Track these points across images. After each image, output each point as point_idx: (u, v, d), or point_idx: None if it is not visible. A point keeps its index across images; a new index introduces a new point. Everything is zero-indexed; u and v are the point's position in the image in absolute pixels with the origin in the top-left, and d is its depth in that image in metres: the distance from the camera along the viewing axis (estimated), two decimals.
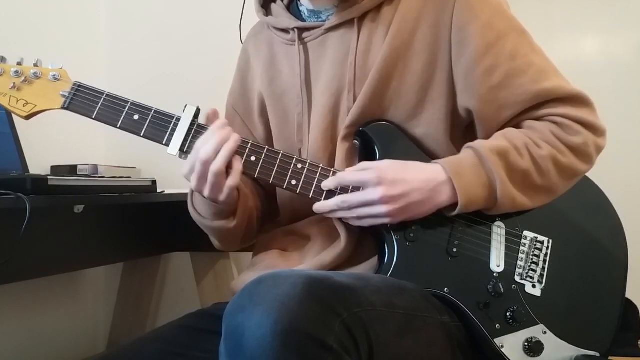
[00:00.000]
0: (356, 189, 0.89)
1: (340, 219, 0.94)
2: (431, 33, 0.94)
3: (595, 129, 0.93)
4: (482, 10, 0.92)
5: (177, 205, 1.55)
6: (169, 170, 1.52)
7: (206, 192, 0.90)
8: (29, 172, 1.44)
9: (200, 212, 0.98)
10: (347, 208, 0.88)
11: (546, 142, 0.90)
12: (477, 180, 0.87)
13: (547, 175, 0.90)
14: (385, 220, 0.88)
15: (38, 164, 1.56)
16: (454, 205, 0.88)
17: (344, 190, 0.90)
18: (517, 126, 0.94)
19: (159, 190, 1.40)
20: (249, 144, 0.91)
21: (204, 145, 0.87)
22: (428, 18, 0.94)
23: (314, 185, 0.91)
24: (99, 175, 1.57)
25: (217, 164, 0.86)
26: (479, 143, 0.90)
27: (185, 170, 0.90)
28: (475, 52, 0.91)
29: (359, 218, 0.89)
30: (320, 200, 0.90)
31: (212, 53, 1.94)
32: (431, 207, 0.88)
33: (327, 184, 0.90)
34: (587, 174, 0.98)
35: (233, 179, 0.88)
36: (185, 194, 1.49)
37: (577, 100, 0.93)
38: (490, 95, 0.92)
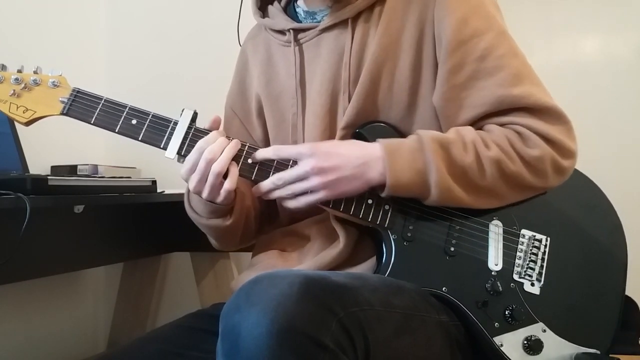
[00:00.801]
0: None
1: (339, 220, 0.94)
2: (416, 30, 0.93)
3: (559, 148, 0.89)
4: (459, 6, 0.91)
5: (177, 205, 1.55)
6: (169, 170, 1.52)
7: (205, 194, 0.90)
8: (29, 172, 1.44)
9: (196, 210, 0.99)
10: (283, 184, 0.88)
11: (497, 146, 0.88)
12: (410, 164, 0.86)
13: (489, 177, 0.87)
14: (320, 195, 0.87)
15: (38, 164, 1.56)
16: (384, 185, 0.87)
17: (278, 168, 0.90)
18: (478, 129, 0.92)
19: (159, 190, 1.40)
20: (246, 147, 0.91)
21: (209, 144, 0.88)
22: (413, 15, 0.94)
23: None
24: (99, 175, 1.57)
25: (220, 164, 0.87)
26: (426, 131, 0.89)
27: (184, 169, 0.90)
28: (446, 48, 0.90)
29: (295, 196, 0.88)
30: None
31: (211, 53, 1.94)
32: (362, 182, 0.87)
33: (265, 153, 0.90)
34: (587, 173, 0.98)
35: (230, 183, 0.89)
36: None
37: (548, 114, 0.89)
38: (451, 93, 0.91)
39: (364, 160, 0.87)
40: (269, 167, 0.90)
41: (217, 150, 0.88)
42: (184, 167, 0.90)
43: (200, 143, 0.89)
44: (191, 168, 0.89)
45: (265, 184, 0.89)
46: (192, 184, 0.89)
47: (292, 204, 0.89)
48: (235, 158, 0.90)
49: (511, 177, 0.89)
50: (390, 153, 0.86)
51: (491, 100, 0.89)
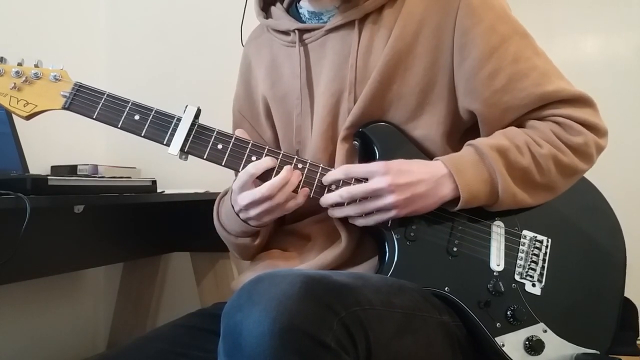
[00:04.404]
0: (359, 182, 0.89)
1: (341, 220, 0.94)
2: (433, 36, 0.94)
3: (597, 130, 0.93)
4: (485, 15, 0.92)
5: (177, 205, 1.56)
6: (169, 170, 1.52)
7: (256, 221, 0.93)
8: (29, 172, 1.44)
9: (226, 227, 1.00)
10: (349, 198, 0.88)
11: (547, 142, 0.91)
12: (478, 177, 0.88)
13: (547, 173, 0.90)
14: (392, 213, 0.87)
15: (38, 164, 1.56)
16: (455, 200, 0.88)
17: (346, 184, 0.90)
18: (520, 125, 0.94)
19: (159, 190, 1.40)
20: (250, 144, 0.91)
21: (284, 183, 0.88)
22: (431, 22, 0.94)
23: (315, 184, 0.91)
24: (99, 175, 1.57)
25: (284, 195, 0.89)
26: (479, 140, 0.91)
27: (249, 200, 0.89)
28: (478, 56, 0.92)
29: (364, 213, 0.88)
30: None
31: (211, 54, 1.94)
32: (435, 200, 0.88)
33: (335, 174, 0.90)
34: (586, 175, 0.99)
35: (295, 203, 0.90)
36: (185, 194, 1.50)
37: (580, 101, 0.94)
38: (493, 98, 0.92)
39: (435, 178, 0.88)
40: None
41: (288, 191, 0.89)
42: (247, 198, 0.89)
43: (278, 180, 0.88)
44: (257, 200, 0.89)
45: (331, 196, 0.89)
46: (255, 211, 0.90)
47: (361, 222, 0.89)
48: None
49: (566, 169, 0.92)
50: (456, 169, 0.88)
51: (533, 99, 0.92)
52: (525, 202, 0.91)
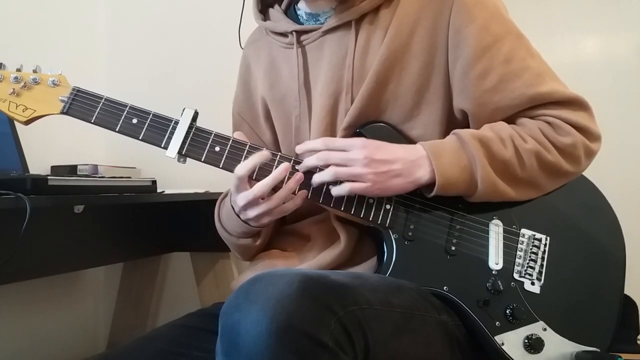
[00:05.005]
0: None
1: (340, 221, 0.94)
2: (428, 36, 0.94)
3: (588, 133, 0.93)
4: (478, 14, 0.92)
5: (177, 205, 1.56)
6: (169, 170, 1.52)
7: (256, 221, 0.92)
8: (29, 172, 1.44)
9: (227, 228, 1.01)
10: (325, 161, 0.88)
11: (532, 138, 0.90)
12: (455, 162, 0.87)
13: (529, 168, 0.90)
14: (366, 185, 0.87)
15: (38, 164, 1.56)
16: (432, 185, 0.88)
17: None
18: (510, 122, 0.94)
19: (159, 190, 1.40)
20: (247, 146, 0.91)
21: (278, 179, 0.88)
22: (426, 21, 0.94)
23: (312, 185, 0.91)
24: (99, 175, 1.57)
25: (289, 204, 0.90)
26: (463, 130, 0.91)
27: (248, 199, 0.89)
28: (470, 55, 0.92)
29: (337, 180, 0.88)
30: (319, 200, 0.91)
31: (211, 55, 1.94)
32: (410, 180, 0.88)
33: (313, 143, 0.90)
34: (586, 174, 0.98)
35: (293, 204, 0.90)
36: (185, 194, 1.50)
37: (574, 103, 0.93)
38: (484, 98, 0.92)
39: (412, 158, 0.88)
40: (270, 167, 0.90)
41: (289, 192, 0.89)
42: (243, 199, 0.89)
43: (270, 180, 0.87)
44: (252, 201, 0.89)
45: (309, 160, 0.89)
46: (254, 212, 0.90)
47: (335, 190, 0.89)
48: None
49: (549, 167, 0.91)
50: (434, 152, 0.88)
51: (523, 100, 0.92)
52: (508, 194, 0.91)
